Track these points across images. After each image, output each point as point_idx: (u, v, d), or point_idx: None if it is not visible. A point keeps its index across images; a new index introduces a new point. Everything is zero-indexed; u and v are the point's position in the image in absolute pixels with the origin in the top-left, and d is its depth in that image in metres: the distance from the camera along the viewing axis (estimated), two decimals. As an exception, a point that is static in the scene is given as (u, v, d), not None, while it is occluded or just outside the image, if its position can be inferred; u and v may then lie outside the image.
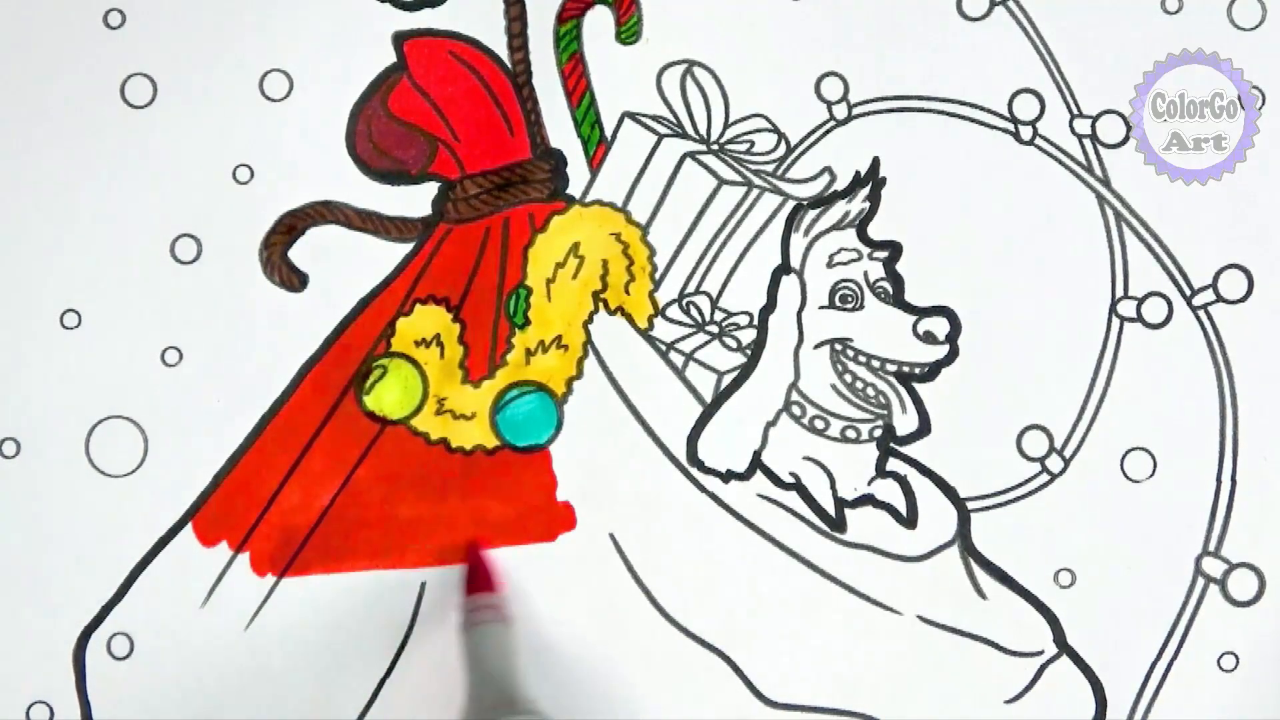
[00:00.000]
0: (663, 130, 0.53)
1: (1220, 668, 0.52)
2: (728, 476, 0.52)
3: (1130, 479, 0.52)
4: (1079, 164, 0.53)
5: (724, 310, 0.52)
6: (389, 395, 0.52)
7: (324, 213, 0.52)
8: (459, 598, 0.50)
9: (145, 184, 0.52)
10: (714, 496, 0.52)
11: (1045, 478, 0.52)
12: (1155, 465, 0.52)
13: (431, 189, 0.52)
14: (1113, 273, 0.53)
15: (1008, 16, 0.53)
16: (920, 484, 0.52)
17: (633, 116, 0.53)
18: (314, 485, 0.51)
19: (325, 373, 0.52)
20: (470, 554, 0.51)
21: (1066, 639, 0.52)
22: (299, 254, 0.52)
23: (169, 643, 0.51)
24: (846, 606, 0.52)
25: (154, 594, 0.51)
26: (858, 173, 0.53)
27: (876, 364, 0.52)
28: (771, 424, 0.52)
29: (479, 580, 0.50)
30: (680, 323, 0.52)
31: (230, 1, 0.53)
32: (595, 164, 0.53)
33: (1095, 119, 0.53)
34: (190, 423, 0.51)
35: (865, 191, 0.53)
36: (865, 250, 0.53)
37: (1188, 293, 0.53)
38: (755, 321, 0.52)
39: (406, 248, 0.52)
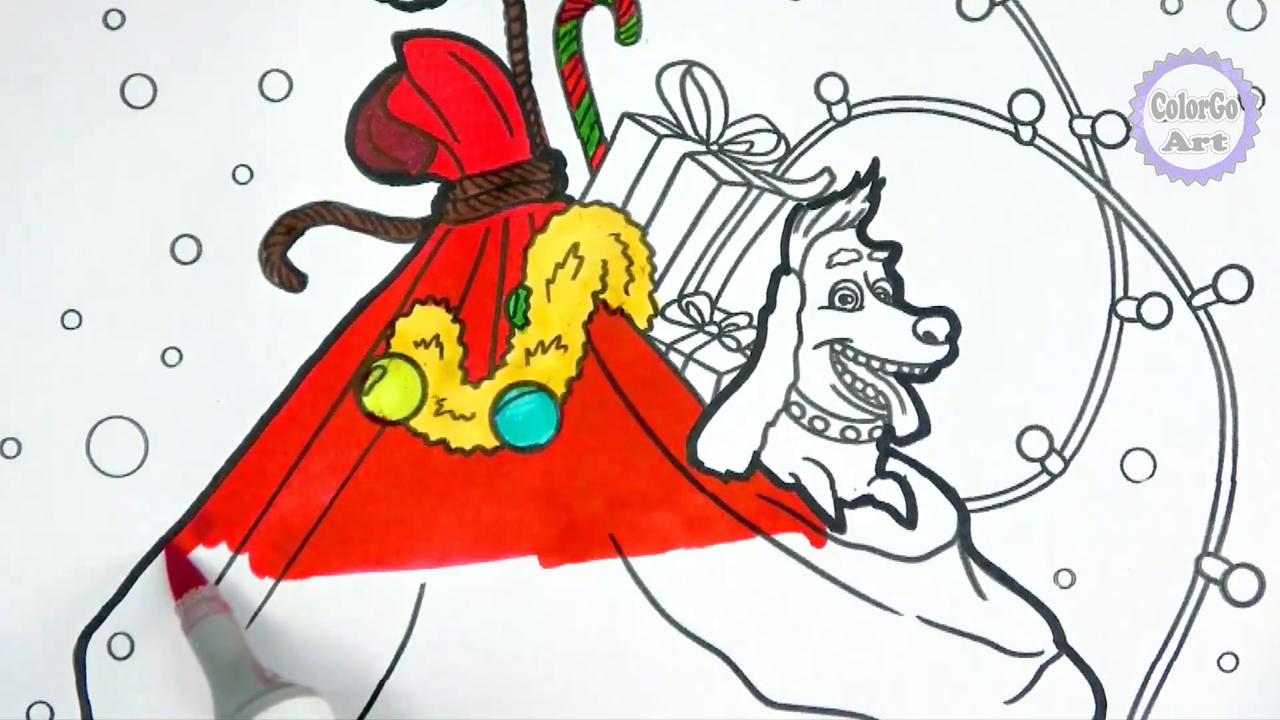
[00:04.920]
0: (662, 131, 0.53)
1: (1220, 668, 0.52)
2: (727, 477, 0.52)
3: (1130, 479, 0.52)
4: (1079, 164, 0.53)
5: (723, 310, 0.52)
6: (388, 396, 0.52)
7: (323, 213, 0.52)
8: (172, 604, 0.50)
9: (145, 184, 0.52)
10: (713, 497, 0.52)
11: (1045, 478, 0.52)
12: (1155, 465, 0.52)
13: (431, 189, 0.52)
14: (1113, 273, 0.53)
15: (1008, 16, 0.53)
16: (920, 484, 0.52)
17: (632, 117, 0.53)
18: (313, 486, 0.51)
19: (325, 373, 0.52)
20: (168, 557, 0.51)
21: (1066, 639, 0.52)
22: (298, 254, 0.52)
23: (169, 643, 0.51)
24: (846, 607, 0.52)
25: (154, 594, 0.51)
26: (857, 173, 0.53)
27: (876, 364, 0.52)
28: (771, 424, 0.52)
29: (183, 579, 0.50)
30: (680, 323, 0.52)
31: (230, 1, 0.53)
32: (595, 164, 0.53)
33: (1095, 119, 0.53)
34: (190, 423, 0.51)
35: (865, 192, 0.53)
36: (865, 250, 0.53)
37: (1188, 293, 0.53)
38: (755, 322, 0.52)
39: (406, 248, 0.52)
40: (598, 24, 0.53)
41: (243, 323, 0.52)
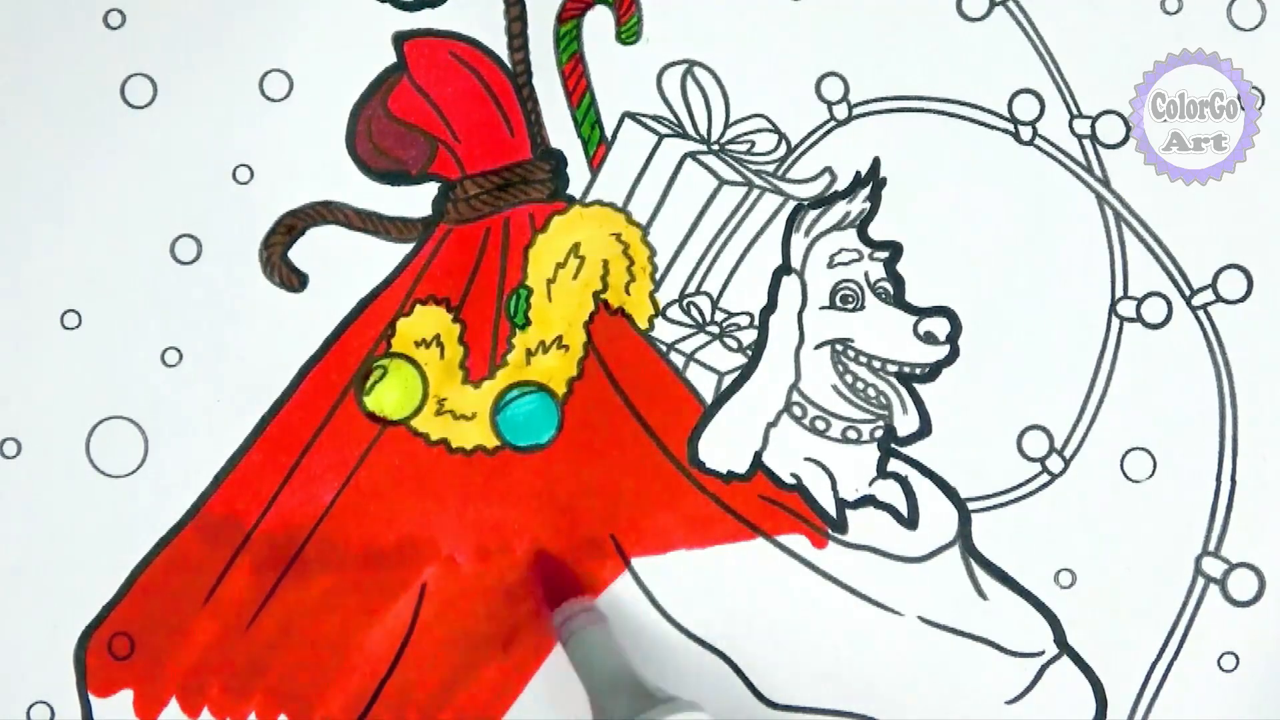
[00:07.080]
0: (663, 130, 0.53)
1: (1220, 668, 0.52)
2: (728, 477, 0.52)
3: (1130, 479, 0.52)
4: (1079, 164, 0.53)
5: (725, 311, 0.52)
6: (389, 396, 0.52)
7: (324, 213, 0.52)
8: (548, 614, 0.50)
9: (145, 184, 0.52)
10: (714, 497, 0.52)
11: (1045, 478, 0.52)
12: (1155, 465, 0.52)
13: (431, 189, 0.52)
14: (1112, 273, 0.53)
15: (1008, 16, 0.53)
16: (921, 484, 0.52)
17: (633, 116, 0.53)
18: (314, 486, 0.51)
19: (325, 373, 0.52)
20: (543, 566, 0.51)
21: (1067, 639, 0.52)
22: (299, 254, 0.52)
23: (169, 643, 0.51)
24: (847, 607, 0.52)
25: (154, 594, 0.51)
26: (858, 173, 0.53)
27: (877, 364, 0.52)
28: (772, 425, 0.52)
29: (562, 588, 0.50)
30: (681, 323, 0.52)
31: (230, 1, 0.53)
32: (595, 164, 0.53)
33: (1095, 119, 0.53)
34: (190, 423, 0.51)
35: (866, 192, 0.53)
36: (866, 250, 0.53)
37: (1187, 293, 0.53)
38: (756, 322, 0.52)
39: (406, 248, 0.52)
40: (598, 23, 0.53)
41: (243, 323, 0.52)
